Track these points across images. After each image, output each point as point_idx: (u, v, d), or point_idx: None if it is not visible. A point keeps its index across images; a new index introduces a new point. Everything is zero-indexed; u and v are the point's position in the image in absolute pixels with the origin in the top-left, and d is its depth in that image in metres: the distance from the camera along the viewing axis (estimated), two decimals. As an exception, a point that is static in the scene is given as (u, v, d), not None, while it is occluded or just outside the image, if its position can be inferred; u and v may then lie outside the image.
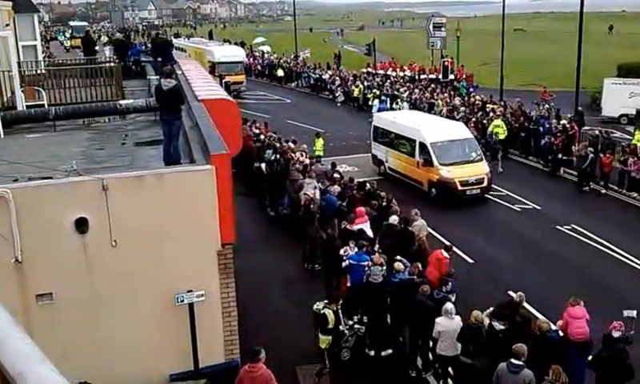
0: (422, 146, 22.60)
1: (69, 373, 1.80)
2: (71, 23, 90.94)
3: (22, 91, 15.77)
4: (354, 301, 12.88)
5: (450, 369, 11.64)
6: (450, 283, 12.80)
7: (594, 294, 13.96)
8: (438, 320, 11.26)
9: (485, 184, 22.04)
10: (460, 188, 21.57)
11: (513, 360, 9.56)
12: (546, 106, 31.08)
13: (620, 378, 9.68)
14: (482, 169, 22.33)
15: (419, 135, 22.93)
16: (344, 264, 13.52)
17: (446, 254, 13.91)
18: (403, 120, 25.36)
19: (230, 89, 42.20)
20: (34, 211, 8.90)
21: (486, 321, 11.00)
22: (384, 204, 16.91)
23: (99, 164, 11.05)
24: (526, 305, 13.95)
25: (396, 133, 24.60)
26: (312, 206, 16.95)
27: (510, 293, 11.84)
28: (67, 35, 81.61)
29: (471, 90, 41.08)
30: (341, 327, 11.88)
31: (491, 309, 11.51)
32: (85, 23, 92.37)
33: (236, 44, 64.27)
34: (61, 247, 9.08)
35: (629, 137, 26.05)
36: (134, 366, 9.37)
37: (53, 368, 1.75)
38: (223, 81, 41.39)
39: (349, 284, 13.53)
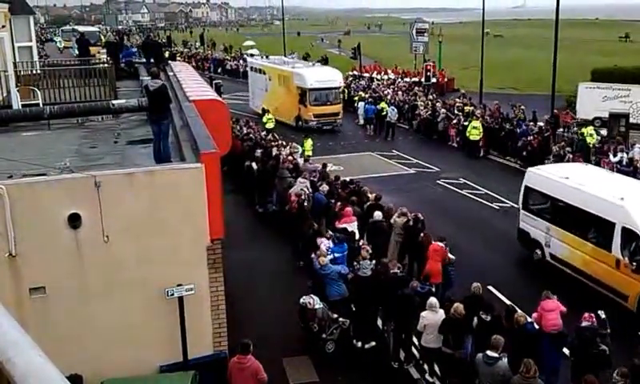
0: (630, 234, 13.69)
1: (61, 365, 1.88)
2: (80, 28, 73.13)
3: (18, 90, 15.96)
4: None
5: (434, 361, 11.98)
6: (451, 272, 13.57)
7: (565, 289, 14.23)
8: (423, 314, 11.55)
9: None
10: None
11: (489, 352, 9.78)
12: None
13: (593, 366, 10.02)
14: None
15: (624, 215, 13.83)
16: (329, 257, 13.67)
17: (441, 244, 14.02)
18: (587, 183, 15.40)
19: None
20: (28, 207, 9.09)
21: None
22: (369, 203, 17.16)
23: (92, 161, 11.29)
24: (502, 297, 14.43)
25: (571, 204, 15.24)
26: (306, 203, 17.26)
27: (474, 284, 12.21)
28: (59, 39, 76.00)
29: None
30: None
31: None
32: (96, 29, 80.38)
33: (226, 49, 57.91)
34: (54, 242, 9.28)
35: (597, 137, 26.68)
36: (125, 357, 9.59)
37: (42, 354, 1.83)
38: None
39: None
